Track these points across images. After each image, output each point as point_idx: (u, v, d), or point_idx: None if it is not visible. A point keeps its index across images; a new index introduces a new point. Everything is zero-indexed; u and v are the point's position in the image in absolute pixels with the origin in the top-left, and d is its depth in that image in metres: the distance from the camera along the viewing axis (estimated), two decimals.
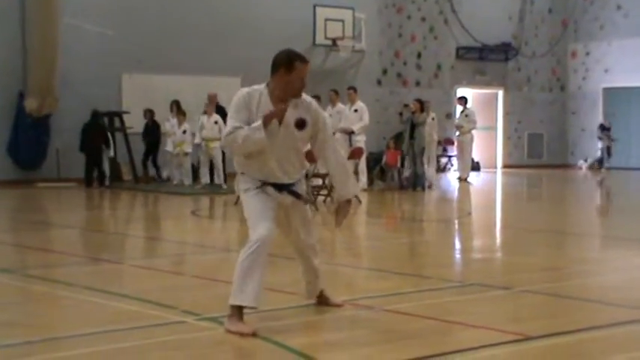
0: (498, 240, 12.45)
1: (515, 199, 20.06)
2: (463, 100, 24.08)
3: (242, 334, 5.88)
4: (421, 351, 5.50)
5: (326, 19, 24.22)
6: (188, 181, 20.85)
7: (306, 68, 6.20)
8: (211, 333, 6.06)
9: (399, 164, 20.77)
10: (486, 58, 28.61)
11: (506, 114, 29.49)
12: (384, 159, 21.60)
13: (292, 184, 6.29)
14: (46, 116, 21.30)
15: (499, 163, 29.41)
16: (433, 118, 23.39)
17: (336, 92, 19.38)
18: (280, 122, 6.09)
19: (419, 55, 27.39)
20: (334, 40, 24.39)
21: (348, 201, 6.44)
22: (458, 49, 28.06)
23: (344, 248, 11.26)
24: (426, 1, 27.32)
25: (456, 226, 14.06)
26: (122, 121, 21.89)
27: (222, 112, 20.82)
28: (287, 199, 6.27)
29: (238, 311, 6.02)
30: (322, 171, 16.48)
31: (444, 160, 26.84)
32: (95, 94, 21.46)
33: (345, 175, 6.47)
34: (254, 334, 5.87)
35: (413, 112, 20.25)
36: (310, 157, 6.65)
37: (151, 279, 8.59)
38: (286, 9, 23.89)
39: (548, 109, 30.35)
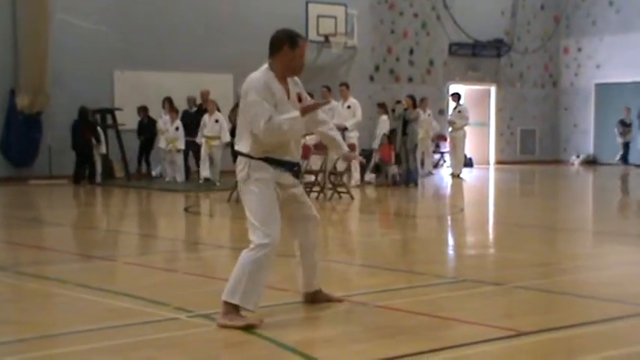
0: (491, 236, 12.47)
1: (508, 195, 20.08)
2: (456, 97, 24.10)
3: (252, 326, 5.93)
4: (414, 347, 5.51)
5: (318, 16, 24.21)
6: (180, 177, 20.84)
7: (306, 45, 6.36)
8: (204, 330, 6.06)
9: (393, 160, 20.77)
10: (479, 54, 28.64)
11: (498, 110, 29.53)
12: (379, 155, 21.59)
13: (299, 164, 6.48)
14: (37, 113, 21.25)
15: (491, 159, 29.45)
16: (429, 115, 23.51)
17: (328, 88, 19.37)
18: (304, 112, 6.22)
19: (411, 52, 27.40)
20: (327, 37, 24.38)
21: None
22: (450, 45, 28.07)
23: (337, 244, 11.27)
24: None
25: (449, 223, 14.08)
26: (114, 118, 21.86)
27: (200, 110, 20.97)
28: (290, 179, 6.34)
29: (236, 308, 6.03)
30: (314, 167, 16.52)
31: (436, 156, 26.85)
32: (87, 91, 21.42)
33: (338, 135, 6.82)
34: (261, 322, 5.97)
35: (405, 109, 20.27)
36: (305, 152, 6.71)
37: (144, 276, 8.59)
38: (278, 5, 23.86)
39: (540, 105, 30.39)
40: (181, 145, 20.72)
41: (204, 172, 20.01)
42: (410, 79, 27.28)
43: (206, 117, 19.84)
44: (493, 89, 29.40)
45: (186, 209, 15.63)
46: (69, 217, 15.13)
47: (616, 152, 28.26)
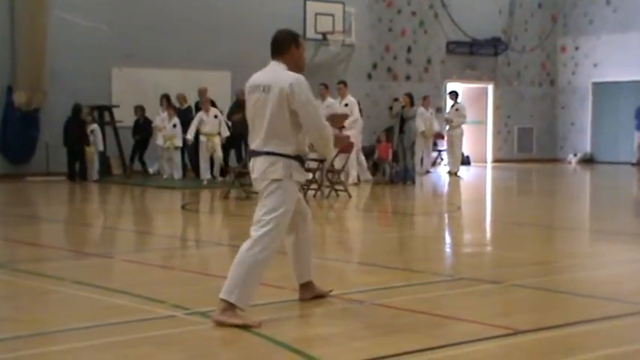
0: (488, 234, 12.46)
1: (505, 194, 20.09)
2: (454, 95, 24.13)
3: (249, 326, 5.92)
4: (412, 345, 5.50)
5: (316, 14, 24.20)
6: (178, 175, 20.83)
7: (304, 43, 6.53)
8: (201, 327, 6.05)
9: (391, 158, 20.78)
10: (476, 53, 28.63)
11: (496, 108, 29.53)
12: (376, 153, 21.60)
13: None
14: (35, 110, 21.24)
15: (489, 157, 29.45)
16: (432, 113, 23.55)
17: (326, 86, 19.36)
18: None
19: (409, 50, 27.39)
20: (324, 35, 24.37)
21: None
22: (448, 44, 28.06)
23: (335, 242, 11.26)
24: None
25: (446, 221, 14.08)
26: (112, 115, 21.84)
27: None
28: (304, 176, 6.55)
29: (233, 306, 6.03)
30: (312, 165, 16.50)
31: (434, 154, 26.85)
32: (85, 88, 21.39)
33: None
34: (259, 324, 5.95)
35: (403, 107, 20.27)
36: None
37: (141, 273, 8.58)
38: (276, 3, 23.85)
39: (537, 103, 30.40)
40: (179, 143, 20.70)
41: (206, 173, 19.88)
42: (407, 78, 27.28)
43: (203, 115, 19.77)
44: (490, 87, 29.40)
45: (183, 206, 15.62)
46: (66, 213, 15.12)
47: (613, 150, 28.31)
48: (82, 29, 21.67)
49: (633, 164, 26.86)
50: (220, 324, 5.98)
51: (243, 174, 17.46)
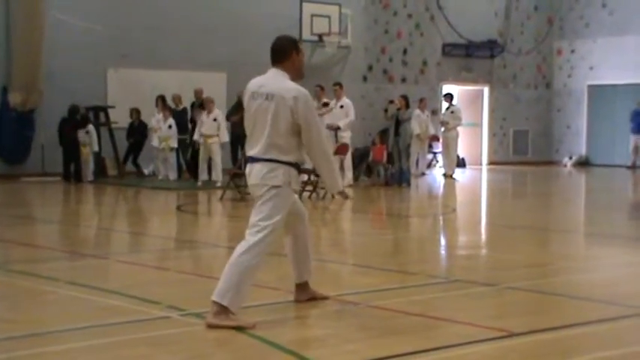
0: (483, 236, 12.47)
1: (500, 196, 20.10)
2: (449, 97, 24.15)
3: (242, 328, 5.93)
4: (406, 347, 5.50)
5: (312, 15, 24.20)
6: (173, 176, 20.82)
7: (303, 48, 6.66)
8: (196, 328, 6.04)
9: (386, 160, 20.78)
10: (472, 55, 28.66)
11: (491, 111, 29.55)
12: (371, 155, 21.60)
13: None
14: (30, 110, 21.22)
15: (484, 159, 29.46)
16: (428, 115, 23.57)
17: (321, 88, 19.35)
18: None
19: (405, 52, 27.41)
20: (320, 36, 24.37)
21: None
22: (444, 46, 28.08)
23: (330, 244, 11.26)
24: None
25: (441, 223, 14.08)
26: (107, 116, 21.82)
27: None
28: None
29: (226, 309, 6.03)
30: (307, 167, 16.47)
31: (429, 156, 26.87)
32: (80, 89, 21.36)
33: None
34: (253, 325, 5.96)
35: (398, 109, 20.27)
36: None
37: (136, 274, 8.57)
38: (272, 4, 23.86)
39: (533, 106, 30.42)
40: (174, 144, 20.69)
41: (203, 174, 19.83)
42: (403, 80, 27.29)
43: (203, 115, 19.71)
44: (486, 90, 29.42)
45: (178, 207, 15.60)
46: (61, 214, 15.11)
47: (608, 153, 28.37)
48: (77, 30, 21.64)
49: (628, 167, 26.90)
50: (213, 327, 5.98)
51: (238, 175, 17.48)
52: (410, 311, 6.56)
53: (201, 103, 20.44)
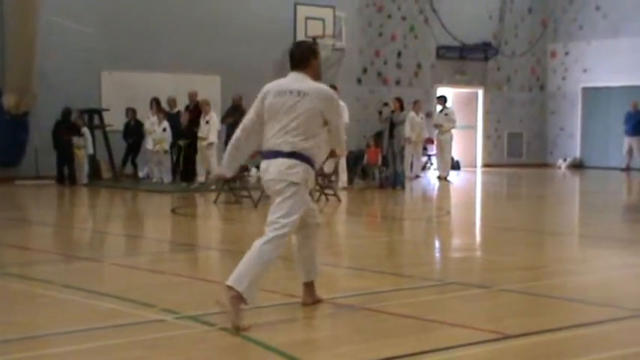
0: (477, 239, 12.48)
1: (495, 198, 20.11)
2: (442, 100, 24.19)
3: (242, 329, 5.99)
4: (401, 349, 5.51)
5: (306, 18, 24.20)
6: (168, 178, 20.79)
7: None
8: (190, 331, 6.04)
9: (380, 162, 20.79)
10: (466, 58, 28.69)
11: (486, 113, 29.58)
12: (365, 158, 21.61)
13: None
14: (24, 113, 21.17)
15: (479, 162, 29.49)
16: (422, 118, 23.58)
17: None
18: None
19: (399, 54, 27.43)
20: (314, 39, 24.33)
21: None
22: (438, 49, 28.11)
23: (324, 247, 11.22)
24: (406, 1, 27.34)
25: (436, 225, 14.09)
26: (101, 119, 21.79)
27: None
28: None
29: (241, 298, 6.07)
30: None
31: (424, 158, 26.89)
32: (74, 92, 21.33)
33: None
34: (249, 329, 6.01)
35: (392, 111, 20.28)
36: None
37: (131, 277, 8.56)
38: (267, 7, 23.86)
39: (527, 108, 30.46)
40: (168, 147, 20.67)
41: (201, 177, 19.81)
42: (397, 82, 27.31)
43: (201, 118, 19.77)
44: (480, 92, 29.44)
45: (173, 210, 15.60)
46: (55, 217, 15.08)
47: (602, 156, 28.42)
48: (71, 33, 21.62)
49: (622, 169, 26.94)
50: (221, 307, 6.08)
51: (232, 178, 17.47)
52: (404, 314, 6.57)
53: (195, 106, 20.46)
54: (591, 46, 29.16)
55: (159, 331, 6.05)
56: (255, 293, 6.15)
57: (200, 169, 19.92)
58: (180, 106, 21.71)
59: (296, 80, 6.48)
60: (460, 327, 6.15)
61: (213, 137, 19.53)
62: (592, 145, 29.15)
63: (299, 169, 6.30)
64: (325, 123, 6.50)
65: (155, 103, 21.03)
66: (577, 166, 29.32)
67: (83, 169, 21.00)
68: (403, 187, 19.84)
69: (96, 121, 21.80)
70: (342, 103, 19.67)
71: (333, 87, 20.03)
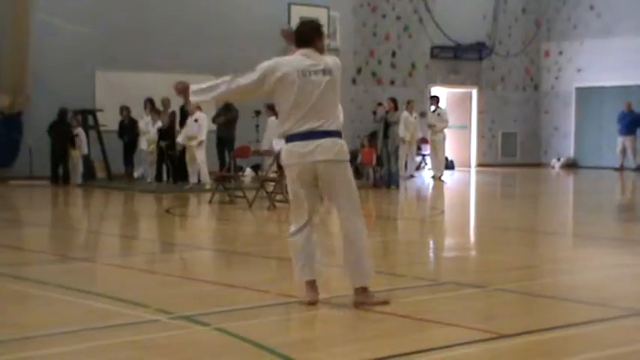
0: (472, 238, 12.49)
1: (489, 198, 20.13)
2: (435, 99, 24.22)
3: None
4: (395, 349, 5.51)
5: (300, 18, 24.13)
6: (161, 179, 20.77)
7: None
8: (184, 332, 6.04)
9: (374, 162, 20.80)
10: (460, 57, 28.71)
11: (480, 113, 29.60)
12: (359, 157, 21.61)
13: None
14: (18, 114, 21.16)
15: (473, 161, 29.51)
16: (416, 117, 23.60)
17: None
18: None
19: (393, 54, 27.44)
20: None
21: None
22: (432, 48, 28.12)
23: (318, 246, 11.22)
24: (401, 0, 27.36)
25: (430, 225, 14.10)
26: (95, 119, 21.77)
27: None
28: None
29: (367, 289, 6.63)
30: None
31: (418, 158, 26.91)
32: (68, 92, 21.31)
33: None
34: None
35: (387, 111, 20.28)
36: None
37: (124, 277, 8.55)
38: (261, 7, 23.86)
39: (521, 108, 30.49)
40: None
41: (192, 177, 19.74)
42: (392, 82, 27.32)
43: (189, 118, 19.68)
44: (474, 92, 29.46)
45: (167, 210, 15.58)
46: (49, 217, 15.06)
47: (596, 155, 28.46)
48: (65, 32, 21.60)
49: (616, 169, 26.98)
50: (361, 304, 6.53)
51: (227, 178, 17.47)
52: (398, 313, 6.56)
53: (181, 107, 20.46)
54: (585, 45, 29.20)
55: (152, 331, 6.04)
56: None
57: (191, 169, 19.81)
58: (175, 106, 21.68)
59: (315, 56, 6.52)
60: (454, 326, 6.15)
61: (202, 136, 19.44)
62: (586, 145, 29.18)
63: (345, 147, 6.52)
64: None
65: (149, 103, 21.00)
66: (571, 165, 29.36)
67: (77, 170, 20.98)
68: (397, 187, 19.84)
69: (90, 121, 21.78)
70: None
71: None
